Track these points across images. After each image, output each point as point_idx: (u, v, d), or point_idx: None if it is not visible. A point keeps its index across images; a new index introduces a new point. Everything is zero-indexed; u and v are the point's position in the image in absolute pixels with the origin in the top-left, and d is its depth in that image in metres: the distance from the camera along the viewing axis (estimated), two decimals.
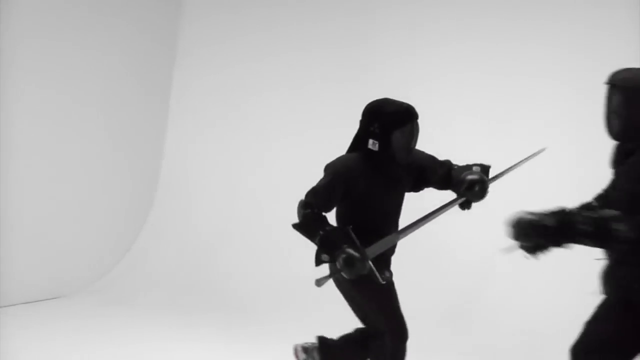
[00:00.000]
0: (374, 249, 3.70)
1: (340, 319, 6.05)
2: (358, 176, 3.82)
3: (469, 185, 3.87)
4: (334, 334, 5.86)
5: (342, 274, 3.63)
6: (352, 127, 6.73)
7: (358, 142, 3.93)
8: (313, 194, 3.80)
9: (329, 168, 3.88)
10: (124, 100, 7.49)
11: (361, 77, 6.93)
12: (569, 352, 3.42)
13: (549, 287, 5.87)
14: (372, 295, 3.85)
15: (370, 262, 3.64)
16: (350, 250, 3.59)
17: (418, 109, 3.87)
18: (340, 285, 3.96)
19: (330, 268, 3.84)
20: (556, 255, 5.34)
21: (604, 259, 3.29)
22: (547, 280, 5.88)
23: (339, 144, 6.86)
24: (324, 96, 7.15)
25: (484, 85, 6.51)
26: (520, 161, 4.05)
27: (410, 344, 3.90)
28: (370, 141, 3.82)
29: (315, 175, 6.97)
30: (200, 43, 7.74)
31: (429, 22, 6.78)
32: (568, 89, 6.14)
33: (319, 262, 3.77)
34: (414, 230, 3.83)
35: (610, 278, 3.27)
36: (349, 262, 3.58)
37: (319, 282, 3.68)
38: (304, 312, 6.39)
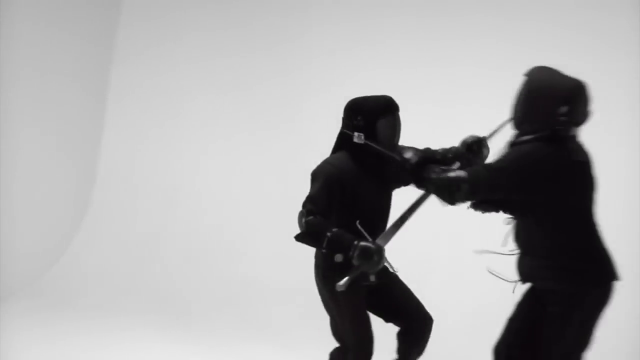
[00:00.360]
0: (385, 238, 3.63)
1: (280, 319, 6.10)
2: (349, 175, 3.77)
3: (468, 146, 3.77)
4: (275, 333, 5.89)
5: (362, 269, 3.54)
6: (289, 129, 6.84)
7: (342, 141, 3.88)
8: (310, 201, 3.71)
9: (318, 172, 3.80)
10: (60, 99, 7.39)
11: (296, 78, 6.93)
12: (492, 351, 3.42)
13: (488, 286, 5.86)
14: (348, 309, 3.79)
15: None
16: (365, 243, 3.51)
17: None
18: (321, 294, 3.91)
19: (315, 271, 3.82)
20: (493, 257, 5.43)
21: (515, 251, 3.47)
22: (486, 280, 5.88)
23: (274, 145, 6.97)
24: (261, 98, 7.14)
25: (429, 83, 6.53)
26: (495, 130, 3.92)
27: None
28: (356, 134, 3.77)
29: (252, 175, 7.00)
30: (138, 44, 7.68)
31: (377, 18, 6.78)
32: None
33: (330, 267, 3.70)
34: (415, 211, 3.73)
35: (519, 268, 3.44)
36: (366, 254, 3.48)
37: (341, 286, 3.53)
38: (244, 313, 6.38)
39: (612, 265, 3.34)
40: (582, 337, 3.24)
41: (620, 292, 5.71)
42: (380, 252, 3.49)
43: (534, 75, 3.34)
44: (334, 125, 3.96)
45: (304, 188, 3.80)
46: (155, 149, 7.54)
